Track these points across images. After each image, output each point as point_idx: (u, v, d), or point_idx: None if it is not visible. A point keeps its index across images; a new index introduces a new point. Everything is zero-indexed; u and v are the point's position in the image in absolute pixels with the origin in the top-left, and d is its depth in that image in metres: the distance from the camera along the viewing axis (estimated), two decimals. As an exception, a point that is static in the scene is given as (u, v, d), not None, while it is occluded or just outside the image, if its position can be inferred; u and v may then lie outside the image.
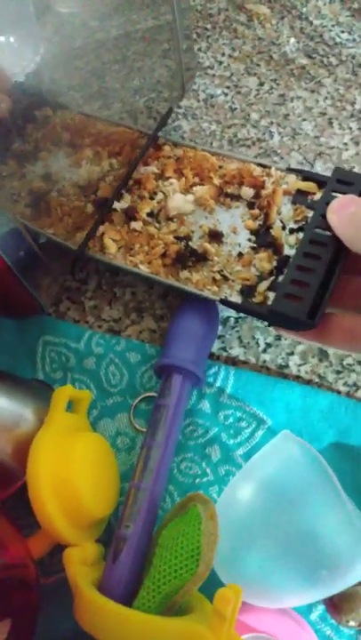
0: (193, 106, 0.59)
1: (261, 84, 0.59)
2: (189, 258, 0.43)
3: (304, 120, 0.57)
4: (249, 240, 0.44)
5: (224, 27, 0.63)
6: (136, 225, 0.45)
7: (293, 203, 0.44)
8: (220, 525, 0.33)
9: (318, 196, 0.44)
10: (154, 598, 0.32)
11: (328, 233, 0.39)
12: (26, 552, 0.34)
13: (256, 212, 0.45)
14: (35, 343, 0.45)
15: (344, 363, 0.45)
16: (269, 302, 0.40)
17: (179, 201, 0.46)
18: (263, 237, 0.43)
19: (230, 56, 0.62)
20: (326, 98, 0.58)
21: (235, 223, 0.45)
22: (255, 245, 0.43)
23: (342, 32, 0.62)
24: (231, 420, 0.42)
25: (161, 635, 0.30)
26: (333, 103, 0.58)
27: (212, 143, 0.56)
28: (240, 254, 0.43)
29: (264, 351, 0.46)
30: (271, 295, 0.40)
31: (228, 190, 0.46)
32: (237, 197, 0.46)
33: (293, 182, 0.45)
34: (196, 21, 0.64)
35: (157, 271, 0.43)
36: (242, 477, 0.37)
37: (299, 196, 0.44)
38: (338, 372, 0.44)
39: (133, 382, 0.44)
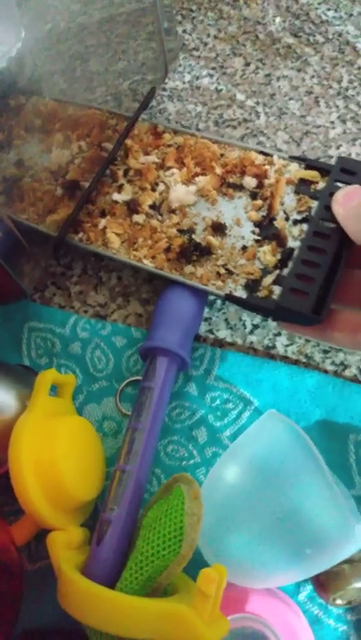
0: (178, 87, 0.58)
1: (247, 65, 0.59)
2: (193, 252, 0.43)
3: (290, 99, 0.56)
4: (253, 232, 0.43)
5: (209, 7, 0.63)
6: (139, 218, 0.45)
7: (296, 192, 0.44)
8: (205, 506, 0.33)
9: (321, 185, 0.43)
10: (137, 580, 0.32)
11: (332, 225, 0.39)
12: (8, 537, 0.34)
13: (259, 202, 0.44)
14: (19, 330, 0.45)
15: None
16: (274, 296, 0.40)
17: (181, 192, 0.45)
18: (267, 229, 0.43)
19: (216, 37, 0.61)
20: (313, 76, 0.57)
21: (238, 214, 0.44)
22: (259, 238, 0.43)
23: (328, 10, 0.61)
24: (218, 401, 0.42)
25: (144, 615, 0.30)
26: (320, 82, 0.57)
27: (197, 125, 0.55)
28: (244, 247, 0.43)
29: (251, 333, 0.45)
30: (276, 289, 0.40)
31: (230, 180, 0.46)
32: (240, 187, 0.45)
33: (296, 171, 0.44)
34: (180, 3, 0.63)
35: (161, 266, 0.43)
36: (227, 458, 0.37)
37: (302, 186, 0.44)
38: (325, 352, 0.44)
39: (119, 366, 0.44)
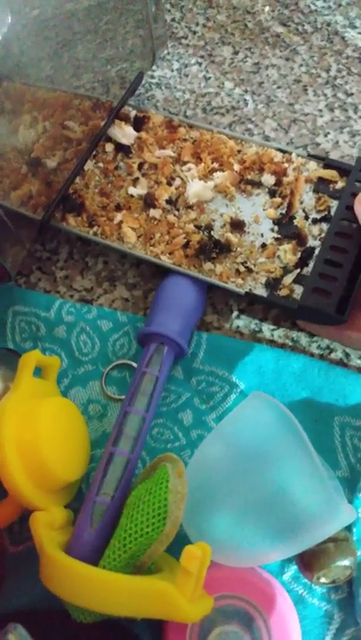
0: (167, 75, 0.58)
1: (236, 53, 0.59)
2: (213, 249, 0.42)
3: (279, 88, 0.56)
4: (272, 230, 0.43)
5: (198, -4, 0.63)
6: (155, 213, 0.44)
7: (315, 191, 0.44)
8: (190, 486, 0.33)
9: (340, 184, 0.43)
10: (120, 557, 0.31)
11: (354, 225, 0.39)
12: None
13: (278, 200, 0.44)
14: (3, 314, 0.45)
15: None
16: (295, 295, 0.40)
17: (199, 188, 0.44)
18: (287, 228, 0.43)
19: (204, 26, 0.61)
20: (301, 65, 0.57)
21: (256, 212, 0.44)
22: (278, 236, 0.43)
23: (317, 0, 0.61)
24: (204, 384, 0.42)
25: (126, 592, 0.30)
26: (308, 70, 0.57)
27: (185, 112, 0.55)
28: (263, 245, 0.42)
29: (237, 317, 0.45)
30: (297, 288, 0.40)
31: (249, 177, 0.45)
32: (258, 184, 0.45)
33: (314, 170, 0.44)
34: (169, -9, 0.63)
35: (180, 262, 0.42)
36: (213, 438, 0.36)
37: (320, 185, 0.44)
38: (311, 336, 0.44)
39: (105, 350, 0.43)
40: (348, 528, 0.36)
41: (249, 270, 0.42)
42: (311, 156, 0.45)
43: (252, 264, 0.42)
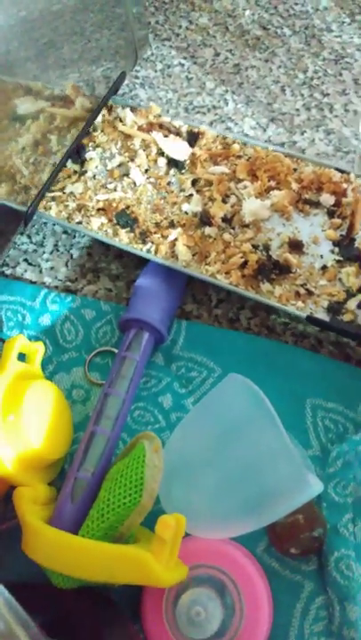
0: (150, 76, 0.60)
1: (217, 55, 0.61)
2: (273, 270, 0.41)
3: (258, 88, 0.58)
4: (332, 252, 0.42)
5: (181, 0, 0.65)
6: (211, 231, 0.43)
7: None
8: (167, 461, 0.34)
9: None
10: (98, 527, 0.33)
11: None
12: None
13: (338, 221, 0.43)
14: (-9, 302, 0.46)
15: (291, 315, 0.46)
16: (360, 320, 0.39)
17: (255, 206, 0.43)
18: (348, 250, 0.42)
19: (187, 28, 0.63)
20: (280, 67, 0.60)
21: (315, 232, 0.43)
22: (340, 258, 0.42)
23: (296, 4, 0.63)
24: (183, 370, 0.43)
25: (104, 559, 0.31)
26: (286, 72, 0.59)
27: (168, 110, 0.57)
28: (324, 267, 0.41)
29: (216, 306, 0.47)
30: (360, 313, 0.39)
31: (306, 196, 0.44)
32: (316, 204, 0.44)
33: None
34: (153, -5, 0.65)
35: (237, 282, 0.41)
36: (190, 417, 0.38)
37: None
38: (285, 324, 0.45)
39: (89, 338, 0.45)
40: (318, 500, 0.37)
41: (309, 293, 0.41)
42: None
43: (312, 286, 0.41)
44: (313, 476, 0.33)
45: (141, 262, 0.48)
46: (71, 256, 0.50)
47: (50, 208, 0.47)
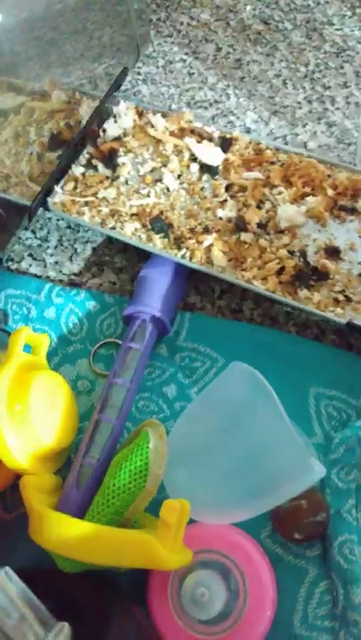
0: (152, 72, 0.60)
1: (219, 50, 0.61)
2: (311, 276, 0.41)
3: (259, 82, 0.59)
4: None
5: (182, -4, 0.65)
6: (246, 236, 0.43)
7: None
8: (172, 448, 0.35)
9: None
10: (104, 512, 0.33)
11: None
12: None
13: None
14: (-3, 296, 0.47)
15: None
16: None
17: (291, 212, 0.43)
18: None
19: (189, 24, 0.63)
20: (281, 60, 0.60)
21: (351, 238, 0.43)
22: None
23: (297, -2, 0.64)
24: (187, 360, 0.44)
25: (110, 543, 0.32)
26: (288, 65, 0.59)
27: (170, 106, 0.57)
28: None
29: (219, 298, 0.47)
30: None
31: (342, 202, 0.44)
32: (352, 210, 0.44)
33: None
34: (155, -8, 0.66)
35: (274, 289, 0.41)
36: (195, 404, 0.39)
37: None
38: (288, 314, 0.46)
39: (93, 330, 0.46)
40: (322, 486, 0.38)
41: (348, 299, 0.40)
42: None
43: (350, 293, 0.40)
44: (315, 461, 0.33)
45: (144, 255, 0.48)
46: (75, 250, 0.50)
47: (83, 213, 0.46)
